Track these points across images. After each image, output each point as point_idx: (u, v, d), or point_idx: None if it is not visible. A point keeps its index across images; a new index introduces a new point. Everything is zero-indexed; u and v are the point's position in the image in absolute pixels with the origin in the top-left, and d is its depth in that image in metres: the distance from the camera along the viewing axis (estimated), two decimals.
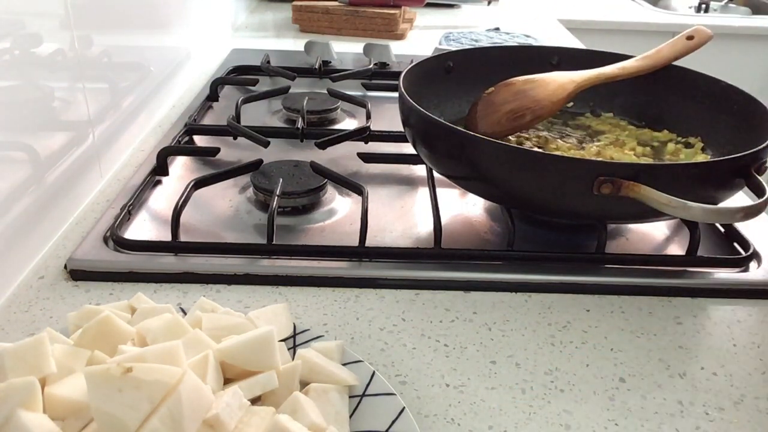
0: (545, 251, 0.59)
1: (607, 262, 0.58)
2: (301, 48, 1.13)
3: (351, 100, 0.88)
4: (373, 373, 0.42)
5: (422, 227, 0.63)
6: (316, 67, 1.03)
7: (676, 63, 0.71)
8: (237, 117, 0.81)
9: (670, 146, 0.69)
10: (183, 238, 0.59)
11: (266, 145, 0.73)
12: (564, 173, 0.52)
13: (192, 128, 0.80)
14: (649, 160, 0.66)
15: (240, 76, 1.03)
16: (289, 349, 0.43)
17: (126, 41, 0.79)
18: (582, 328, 0.52)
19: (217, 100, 0.93)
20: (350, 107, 0.90)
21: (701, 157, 0.67)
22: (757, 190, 0.52)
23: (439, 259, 0.57)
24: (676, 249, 0.62)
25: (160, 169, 0.71)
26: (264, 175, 0.66)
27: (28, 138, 0.56)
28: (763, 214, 0.58)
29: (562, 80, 0.68)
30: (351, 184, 0.64)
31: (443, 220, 0.60)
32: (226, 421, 0.34)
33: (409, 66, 0.70)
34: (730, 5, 2.19)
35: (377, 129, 0.78)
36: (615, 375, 0.47)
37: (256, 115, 0.88)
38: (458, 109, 0.75)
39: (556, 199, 0.54)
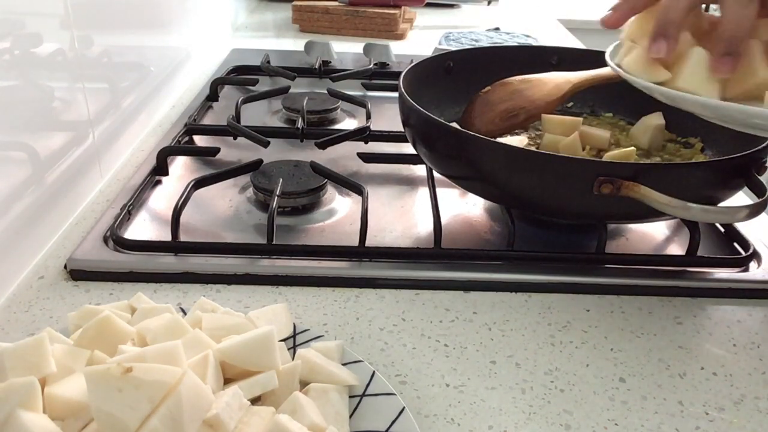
0: (545, 251, 0.59)
1: (607, 262, 0.58)
2: (301, 48, 1.13)
3: (351, 100, 0.88)
4: (373, 373, 0.42)
5: (422, 227, 0.63)
6: (316, 67, 1.03)
7: None
8: (237, 117, 0.81)
9: (670, 146, 0.69)
10: (183, 238, 0.59)
11: (266, 145, 0.73)
12: (564, 173, 0.52)
13: (192, 128, 0.80)
14: (650, 160, 0.66)
15: (240, 76, 1.03)
16: (289, 349, 0.43)
17: (126, 41, 0.79)
18: (582, 328, 0.52)
19: (217, 100, 0.93)
20: (350, 107, 0.90)
21: (701, 157, 0.67)
22: (757, 190, 0.52)
23: (439, 259, 0.57)
24: (676, 249, 0.62)
25: (160, 169, 0.71)
26: (264, 175, 0.66)
27: (28, 138, 0.56)
28: (763, 214, 0.58)
29: (558, 80, 0.68)
30: (351, 184, 0.64)
31: (443, 220, 0.60)
32: (226, 421, 0.34)
33: (409, 66, 0.70)
34: None
35: (377, 129, 0.78)
36: (615, 375, 0.47)
37: (256, 115, 0.88)
38: (458, 109, 0.74)
39: (556, 199, 0.54)
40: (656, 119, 0.68)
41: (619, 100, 0.76)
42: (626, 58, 0.52)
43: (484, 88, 0.69)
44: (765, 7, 0.45)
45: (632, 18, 0.52)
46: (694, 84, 0.47)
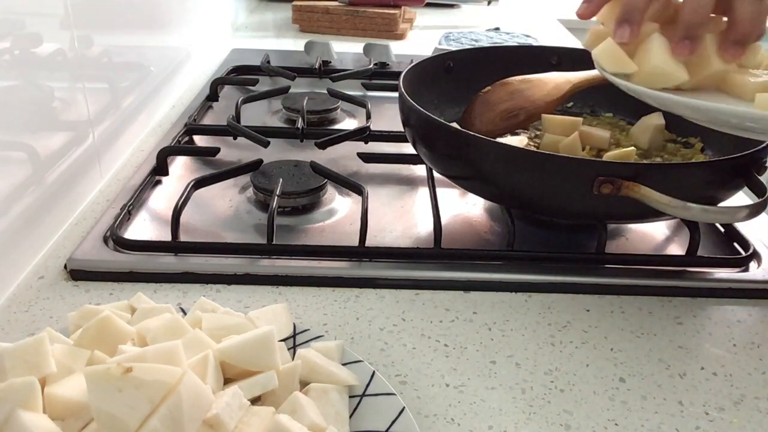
0: (545, 251, 0.59)
1: (607, 262, 0.58)
2: (301, 48, 1.13)
3: (351, 100, 0.88)
4: (373, 373, 0.42)
5: (422, 227, 0.63)
6: (316, 67, 1.03)
7: None
8: (237, 117, 0.81)
9: (670, 146, 0.69)
10: (183, 238, 0.59)
11: (266, 145, 0.73)
12: (564, 173, 0.52)
13: (192, 128, 0.80)
14: (650, 160, 0.66)
15: (240, 76, 1.03)
16: (289, 349, 0.43)
17: (126, 41, 0.79)
18: (582, 328, 0.52)
19: (217, 100, 0.93)
20: (350, 107, 0.90)
21: (701, 158, 0.67)
22: (757, 190, 0.52)
23: (439, 259, 0.57)
24: (676, 249, 0.62)
25: (160, 169, 0.71)
26: (264, 175, 0.66)
27: (28, 138, 0.56)
28: (763, 214, 0.58)
29: (558, 80, 0.68)
30: (351, 184, 0.64)
31: (443, 220, 0.60)
32: (226, 421, 0.34)
33: (409, 66, 0.70)
34: None
35: (377, 129, 0.78)
36: (615, 375, 0.47)
37: (256, 115, 0.88)
38: (458, 109, 0.74)
39: (556, 199, 0.54)
40: (656, 119, 0.68)
41: (619, 100, 0.75)
42: (595, 49, 0.53)
43: (484, 88, 0.69)
44: (723, 1, 0.48)
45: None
46: (659, 66, 0.49)
